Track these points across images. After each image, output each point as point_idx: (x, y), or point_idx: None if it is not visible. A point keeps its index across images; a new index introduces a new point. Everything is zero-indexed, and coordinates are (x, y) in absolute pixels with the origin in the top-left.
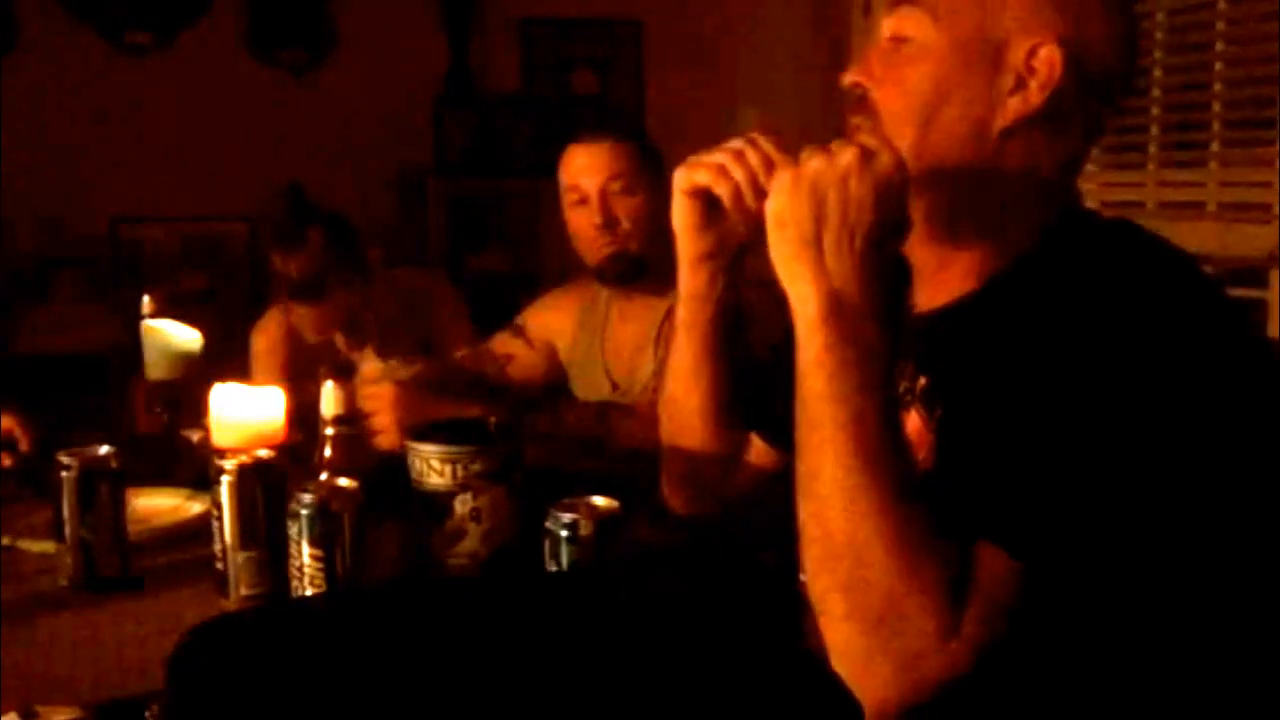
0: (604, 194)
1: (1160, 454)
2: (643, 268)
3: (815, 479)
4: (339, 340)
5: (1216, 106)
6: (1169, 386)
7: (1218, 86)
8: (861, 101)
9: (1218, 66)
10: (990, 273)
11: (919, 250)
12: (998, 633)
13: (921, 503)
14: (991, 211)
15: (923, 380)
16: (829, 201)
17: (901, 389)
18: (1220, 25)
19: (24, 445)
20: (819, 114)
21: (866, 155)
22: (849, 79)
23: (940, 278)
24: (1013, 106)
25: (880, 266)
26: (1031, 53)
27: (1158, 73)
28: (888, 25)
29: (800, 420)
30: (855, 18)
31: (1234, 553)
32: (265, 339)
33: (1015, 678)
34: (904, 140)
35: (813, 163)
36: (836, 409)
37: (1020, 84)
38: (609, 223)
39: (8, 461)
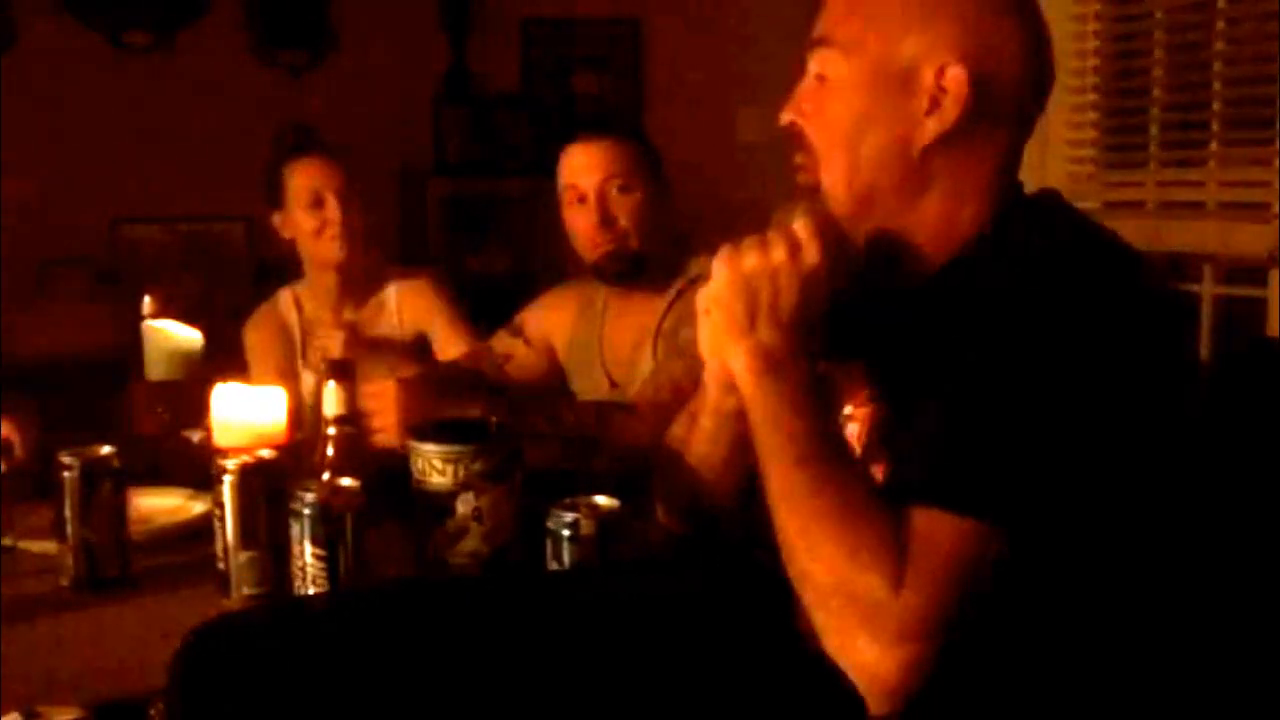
0: (602, 193)
1: (1068, 414)
2: (642, 265)
3: (769, 491)
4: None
5: (1216, 106)
6: (1078, 359)
7: (1217, 86)
8: (800, 138)
9: (1217, 66)
10: (944, 258)
11: (862, 224)
12: (948, 589)
13: (856, 489)
14: (932, 206)
15: (878, 371)
16: (760, 298)
17: (876, 379)
18: (1220, 24)
19: (20, 452)
20: None
21: (795, 250)
22: (784, 119)
23: (893, 270)
24: (930, 126)
25: (806, 326)
26: (939, 73)
27: (1157, 72)
28: (810, 65)
29: (755, 449)
30: None
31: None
32: (257, 334)
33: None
34: (836, 169)
35: (748, 259)
36: (772, 431)
37: (934, 104)
38: (607, 221)
39: (3, 466)
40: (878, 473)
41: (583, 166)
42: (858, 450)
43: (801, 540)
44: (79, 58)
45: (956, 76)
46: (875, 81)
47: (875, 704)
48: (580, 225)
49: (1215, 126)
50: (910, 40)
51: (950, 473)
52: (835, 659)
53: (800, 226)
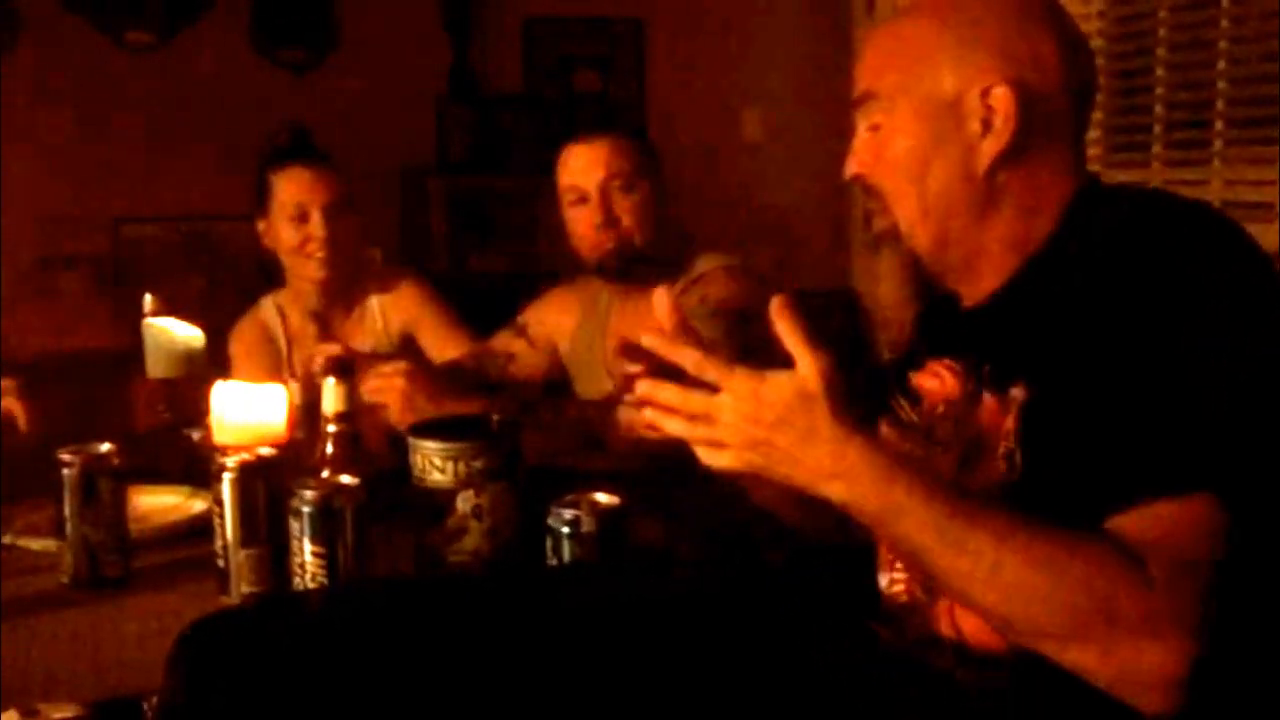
0: (604, 192)
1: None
2: (644, 263)
3: (948, 576)
4: (312, 329)
5: (1220, 105)
6: (1226, 321)
7: (1221, 84)
8: (869, 188)
9: (1221, 64)
10: (1019, 262)
11: (946, 254)
12: (1200, 572)
13: (1043, 526)
14: (1007, 222)
15: (986, 367)
16: (775, 448)
17: (972, 380)
18: (1224, 23)
19: (24, 427)
20: (821, 113)
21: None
22: (848, 173)
23: (972, 276)
24: (987, 148)
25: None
26: (985, 95)
27: (1161, 71)
28: (860, 119)
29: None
30: (858, 16)
31: None
32: (242, 343)
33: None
34: (909, 209)
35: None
36: (924, 533)
37: (987, 126)
38: (610, 221)
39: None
40: (992, 471)
41: (584, 166)
42: (957, 447)
43: (1019, 594)
44: (81, 56)
45: (1002, 95)
46: (926, 119)
47: (1163, 703)
48: (582, 225)
49: (1219, 125)
50: (949, 72)
51: (1164, 458)
52: (1115, 684)
53: (791, 338)
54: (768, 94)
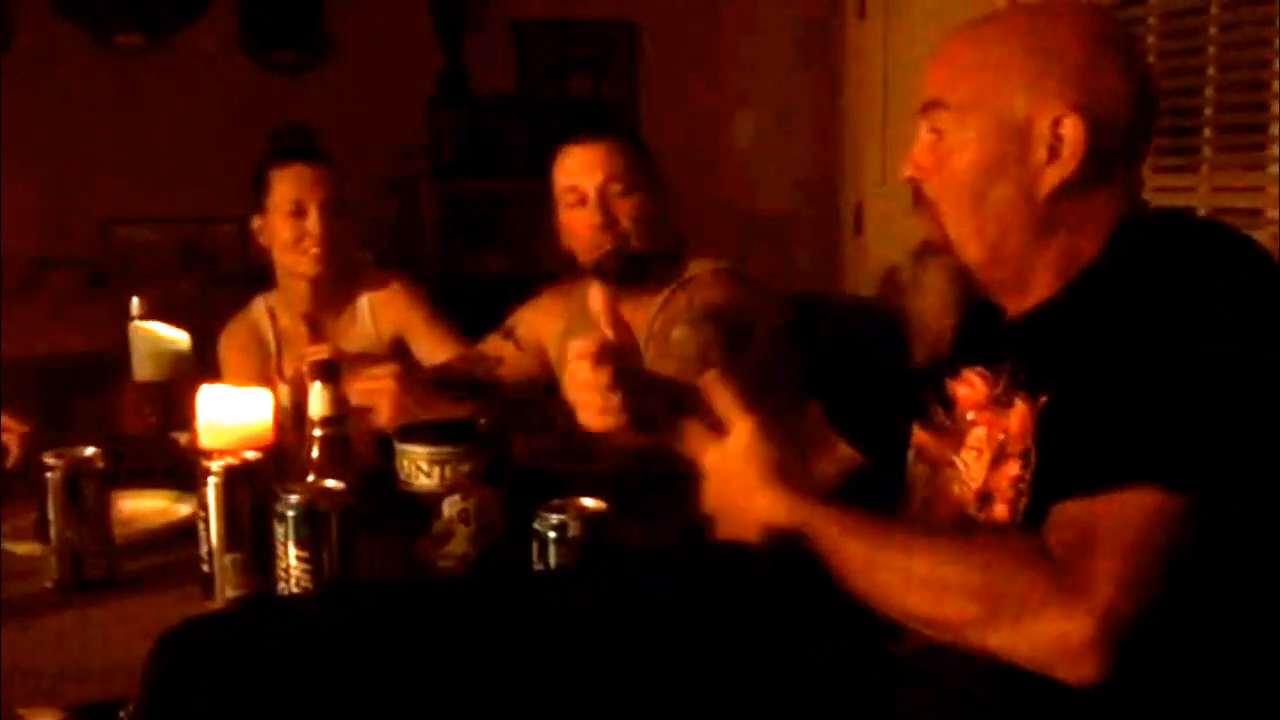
0: (604, 195)
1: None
2: (642, 266)
3: (877, 589)
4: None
5: (1208, 111)
6: (1248, 346)
7: (1210, 92)
8: (919, 194)
9: (1210, 71)
10: (1067, 279)
11: (997, 270)
12: (1139, 555)
13: (950, 530)
14: (1059, 244)
15: (1022, 375)
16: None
17: (1001, 387)
18: (1213, 30)
19: (12, 462)
20: (813, 117)
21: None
22: (905, 174)
23: (1020, 291)
24: (1051, 175)
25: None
26: (1055, 124)
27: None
28: (923, 123)
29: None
30: (850, 19)
31: None
32: (232, 344)
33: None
34: (965, 224)
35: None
36: (848, 560)
37: (1053, 154)
38: (609, 223)
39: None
40: (1015, 470)
41: (583, 167)
42: (988, 451)
43: (932, 591)
44: (73, 59)
45: (1073, 126)
46: (994, 137)
47: (1081, 671)
48: (580, 226)
49: (1208, 132)
50: (1022, 95)
51: (1108, 452)
52: (1031, 659)
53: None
54: (760, 97)
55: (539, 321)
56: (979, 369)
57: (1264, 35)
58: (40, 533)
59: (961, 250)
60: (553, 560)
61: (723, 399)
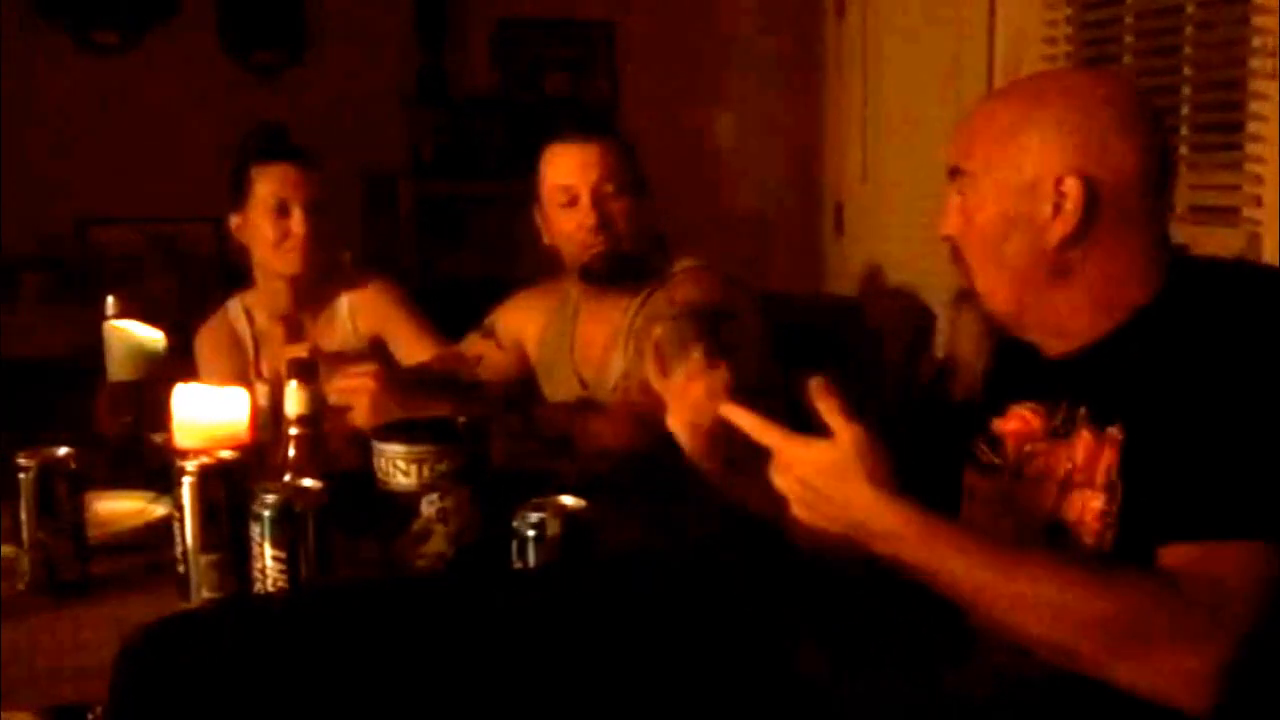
0: (597, 195)
1: None
2: (630, 267)
3: (1006, 615)
4: (279, 331)
5: (1185, 110)
6: None
7: (1186, 90)
8: (955, 250)
9: (1186, 71)
10: (1111, 322)
11: (1022, 317)
12: (1231, 606)
13: (1076, 559)
14: (1083, 290)
15: (1083, 409)
16: (823, 505)
17: (1060, 419)
18: (1188, 30)
19: None
20: (792, 116)
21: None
22: (942, 232)
23: (1053, 333)
24: (1057, 228)
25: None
26: (1058, 183)
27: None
28: (952, 187)
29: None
30: (829, 18)
31: None
32: (208, 344)
33: None
34: (988, 274)
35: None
36: (969, 576)
37: (1057, 209)
38: (604, 224)
39: None
40: (1091, 500)
41: (576, 167)
42: (1052, 480)
43: (1059, 618)
44: (47, 56)
45: (1071, 186)
46: (1005, 196)
47: (1198, 702)
48: (571, 226)
49: (1184, 130)
50: (1028, 159)
51: (1224, 504)
52: (1153, 690)
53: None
54: (739, 97)
55: (518, 320)
56: (1029, 404)
57: (1239, 35)
58: (12, 534)
59: (989, 299)
60: (532, 559)
61: (830, 406)
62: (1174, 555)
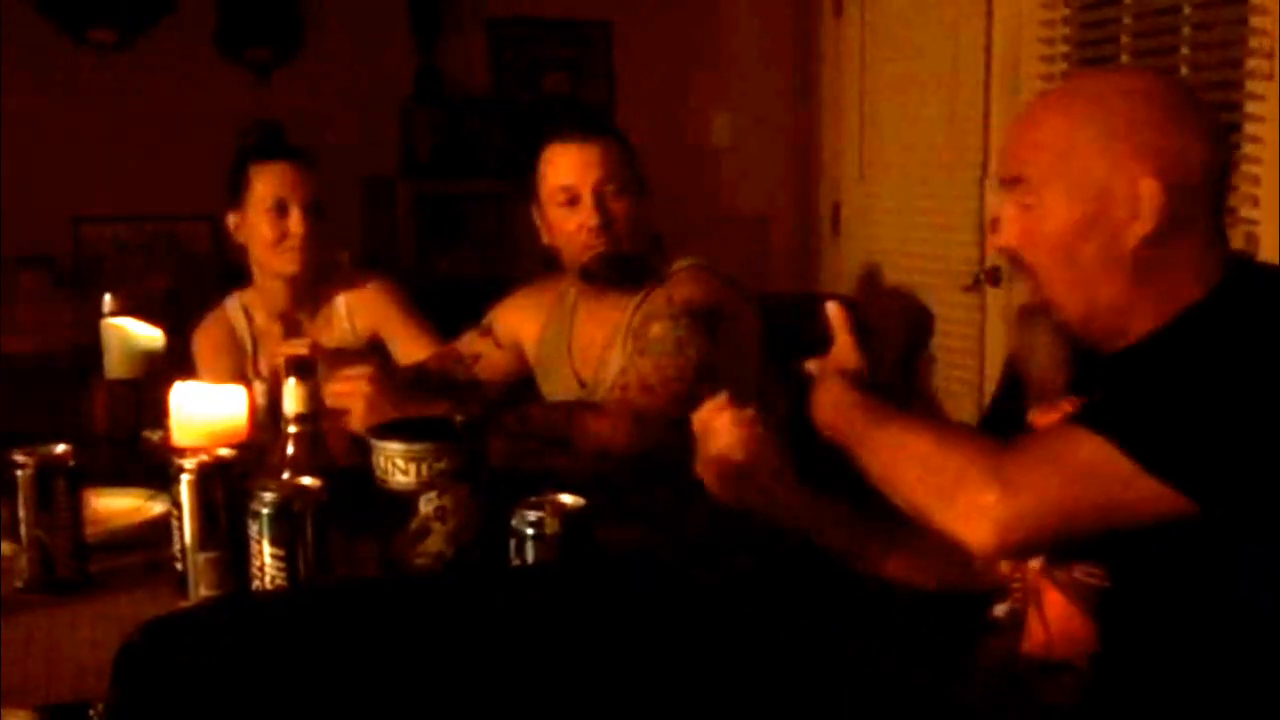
0: (599, 195)
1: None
2: (631, 267)
3: (874, 464)
4: (277, 329)
5: None
6: None
7: None
8: (1017, 262)
9: (1183, 71)
10: (1163, 319)
11: (1093, 324)
12: (1058, 475)
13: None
14: (1152, 292)
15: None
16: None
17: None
18: (1185, 30)
19: None
20: (788, 116)
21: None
22: (1000, 244)
23: (1120, 336)
24: (1134, 231)
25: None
26: (1133, 184)
27: None
28: (1010, 198)
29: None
30: (826, 18)
31: None
32: (206, 342)
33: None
34: (1060, 284)
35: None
36: (866, 433)
37: (1134, 212)
38: (607, 224)
39: None
40: None
41: (578, 167)
42: None
43: (910, 460)
44: (42, 54)
45: (1148, 187)
46: (1077, 203)
47: (985, 541)
48: (572, 227)
49: None
50: (1100, 161)
51: (1106, 405)
52: (950, 522)
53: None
54: (736, 96)
55: (516, 318)
56: (1069, 399)
57: (1236, 36)
58: (10, 532)
59: (1061, 309)
60: (530, 558)
61: (844, 330)
62: (1043, 421)
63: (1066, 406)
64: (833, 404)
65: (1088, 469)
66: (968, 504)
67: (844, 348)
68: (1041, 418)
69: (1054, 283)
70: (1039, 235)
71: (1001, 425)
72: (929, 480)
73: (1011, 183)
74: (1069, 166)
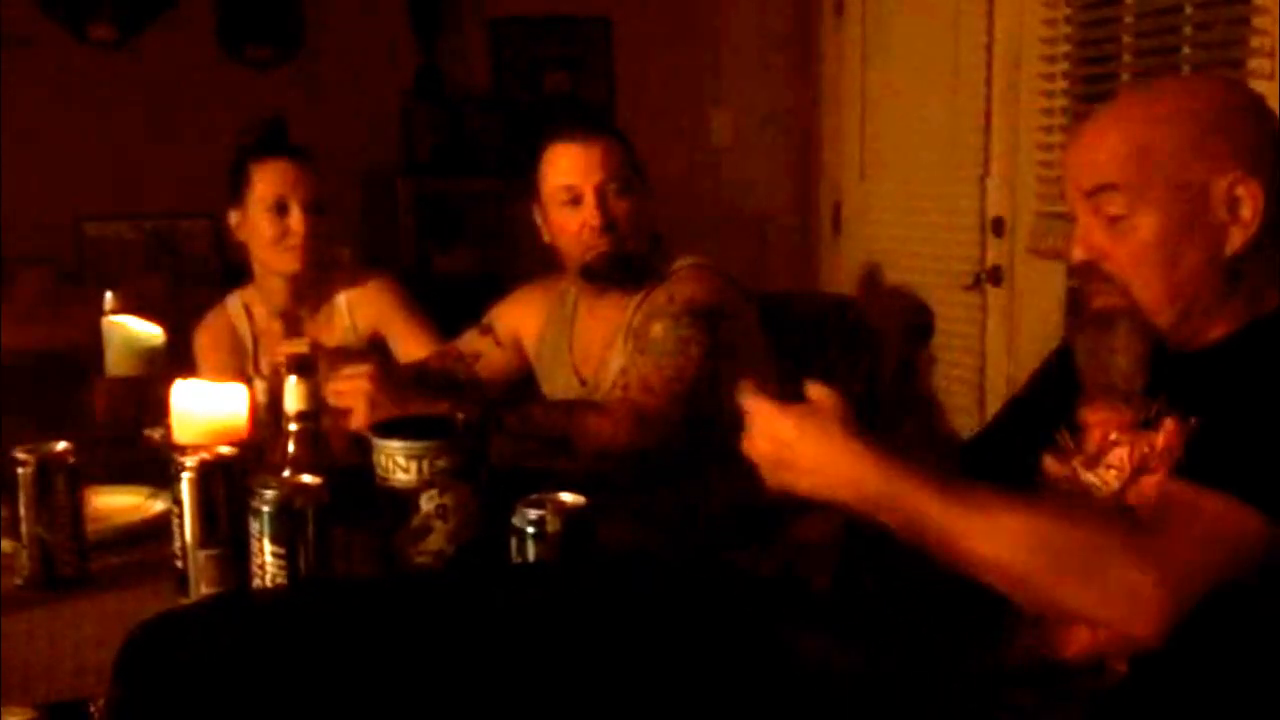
0: (602, 194)
1: None
2: (633, 267)
3: (973, 555)
4: (278, 327)
5: None
6: None
7: None
8: (1094, 270)
9: (1185, 70)
10: (1239, 324)
11: (1185, 328)
12: (1205, 550)
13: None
14: (1243, 296)
15: (1180, 402)
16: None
17: (1154, 411)
18: (1187, 30)
19: None
20: (788, 113)
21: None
22: (1079, 257)
23: (1200, 337)
24: (1235, 235)
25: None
26: (1231, 186)
27: (1126, 77)
28: (1087, 207)
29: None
30: (827, 17)
31: None
32: (207, 340)
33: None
34: (1155, 291)
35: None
36: (927, 505)
37: (1234, 215)
38: (609, 224)
39: None
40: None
41: (581, 166)
42: (1129, 465)
43: (1018, 542)
44: (42, 52)
45: (1249, 188)
46: (1174, 208)
47: (1149, 626)
48: (575, 226)
49: None
50: (1195, 164)
51: (1235, 463)
52: (1097, 609)
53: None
54: (736, 95)
55: (517, 317)
56: (1136, 399)
57: (1238, 36)
58: (11, 529)
59: (1155, 314)
60: (531, 556)
61: (810, 385)
62: (1165, 487)
63: (1119, 402)
64: (863, 477)
65: (1237, 537)
66: (1120, 585)
67: (812, 392)
68: (1095, 415)
69: (1149, 287)
70: (1136, 244)
71: (1024, 420)
72: (1062, 561)
73: (1095, 192)
74: (1162, 171)
